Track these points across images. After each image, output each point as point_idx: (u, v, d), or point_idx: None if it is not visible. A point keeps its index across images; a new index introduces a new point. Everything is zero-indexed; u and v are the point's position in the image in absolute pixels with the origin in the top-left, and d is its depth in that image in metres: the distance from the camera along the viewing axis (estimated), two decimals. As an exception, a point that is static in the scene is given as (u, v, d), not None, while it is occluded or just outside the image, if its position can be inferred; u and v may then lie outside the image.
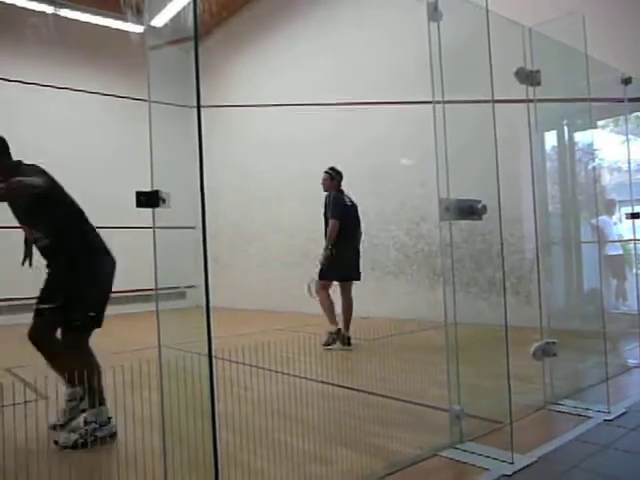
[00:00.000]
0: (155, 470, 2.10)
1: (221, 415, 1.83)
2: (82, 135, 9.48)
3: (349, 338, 5.57)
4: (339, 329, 5.55)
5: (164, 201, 1.64)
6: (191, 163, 1.79)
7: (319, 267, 5.65)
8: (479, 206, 2.58)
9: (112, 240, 3.25)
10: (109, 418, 2.92)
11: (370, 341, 5.60)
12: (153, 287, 1.87)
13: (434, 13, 2.63)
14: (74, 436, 2.80)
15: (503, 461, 2.44)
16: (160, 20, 3.54)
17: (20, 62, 9.23)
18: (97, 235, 3.11)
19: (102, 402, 2.89)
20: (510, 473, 2.34)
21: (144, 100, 1.79)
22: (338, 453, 2.63)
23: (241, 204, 9.96)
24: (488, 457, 2.51)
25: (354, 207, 5.83)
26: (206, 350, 1.76)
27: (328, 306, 5.64)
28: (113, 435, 2.89)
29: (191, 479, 1.82)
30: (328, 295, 5.67)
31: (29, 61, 9.20)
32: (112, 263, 3.10)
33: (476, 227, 4.75)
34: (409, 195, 7.51)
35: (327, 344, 5.50)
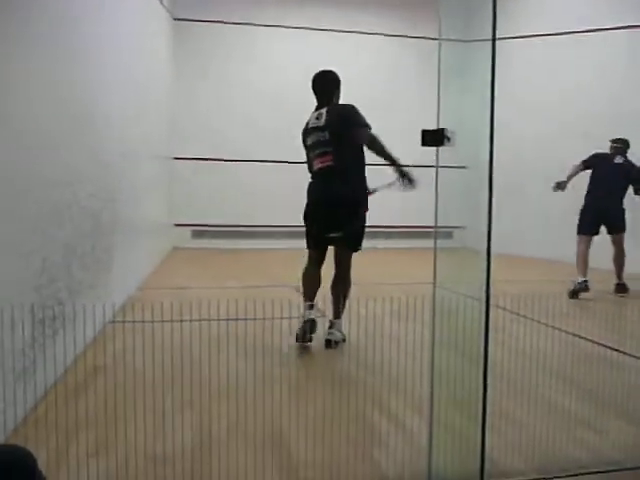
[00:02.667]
0: (422, 399, 2.19)
1: (489, 361, 1.79)
2: (373, 77, 9.77)
3: (624, 285, 5.49)
4: (584, 281, 5.34)
5: (449, 139, 1.62)
6: (477, 101, 1.71)
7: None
8: None
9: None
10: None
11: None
12: (421, 225, 1.87)
13: None
14: (338, 335, 3.61)
15: None
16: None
17: (319, 9, 9.89)
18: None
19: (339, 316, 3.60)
20: None
21: (434, 39, 1.75)
22: (612, 424, 2.39)
23: (514, 145, 9.29)
24: None
25: (621, 166, 5.69)
26: (479, 293, 1.72)
27: (579, 257, 5.58)
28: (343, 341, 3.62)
29: (456, 417, 1.85)
30: (585, 247, 5.58)
31: (328, 7, 9.77)
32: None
33: None
34: None
35: (572, 294, 5.31)
